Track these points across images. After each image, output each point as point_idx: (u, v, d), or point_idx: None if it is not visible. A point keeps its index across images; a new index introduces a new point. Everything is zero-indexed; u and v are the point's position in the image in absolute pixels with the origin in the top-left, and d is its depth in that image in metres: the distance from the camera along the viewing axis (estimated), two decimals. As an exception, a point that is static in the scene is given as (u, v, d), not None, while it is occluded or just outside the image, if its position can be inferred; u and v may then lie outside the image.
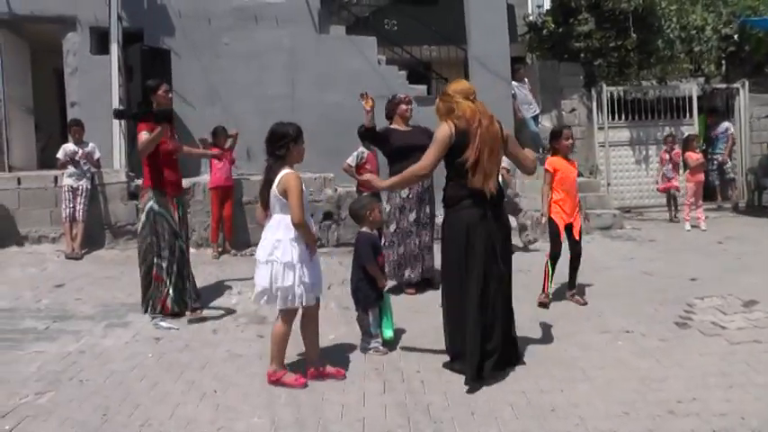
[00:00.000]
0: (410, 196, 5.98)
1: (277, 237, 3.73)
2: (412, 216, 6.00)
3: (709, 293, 5.64)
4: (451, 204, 4.01)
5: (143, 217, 5.33)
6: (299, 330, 3.95)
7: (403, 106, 6.16)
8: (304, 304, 3.79)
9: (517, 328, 4.23)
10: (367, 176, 4.55)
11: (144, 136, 5.16)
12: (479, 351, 3.80)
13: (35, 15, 9.27)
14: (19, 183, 8.39)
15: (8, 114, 9.26)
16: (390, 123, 6.23)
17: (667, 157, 10.38)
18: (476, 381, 3.74)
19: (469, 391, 3.67)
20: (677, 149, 10.37)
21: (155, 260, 5.24)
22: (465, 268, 3.90)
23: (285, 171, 3.76)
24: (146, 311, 5.26)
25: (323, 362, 3.96)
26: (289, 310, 3.81)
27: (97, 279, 6.70)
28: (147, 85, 5.53)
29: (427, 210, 6.12)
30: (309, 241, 3.79)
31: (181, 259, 5.31)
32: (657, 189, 10.73)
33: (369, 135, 5.94)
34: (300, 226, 3.69)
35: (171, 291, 5.21)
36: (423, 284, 6.07)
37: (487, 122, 3.91)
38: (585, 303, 5.49)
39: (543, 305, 5.44)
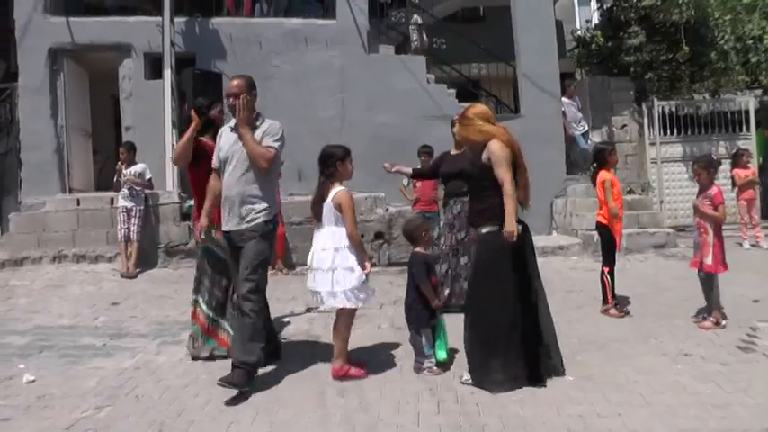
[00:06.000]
0: (461, 214, 5.89)
1: (334, 246, 4.16)
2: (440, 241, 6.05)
3: (773, 316, 5.41)
4: (497, 221, 4.01)
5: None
6: (332, 331, 4.32)
7: (453, 129, 6.11)
8: (363, 304, 4.24)
9: (572, 350, 4.15)
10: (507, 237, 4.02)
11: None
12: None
13: (94, 44, 9.68)
14: (78, 204, 8.76)
15: (69, 139, 9.65)
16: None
17: (708, 203, 5.33)
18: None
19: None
20: (751, 185, 7.79)
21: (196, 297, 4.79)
22: (519, 283, 4.03)
23: (339, 188, 4.21)
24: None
25: (347, 363, 4.27)
26: (351, 310, 4.23)
27: (151, 297, 6.86)
28: (200, 102, 4.98)
29: (459, 236, 5.95)
30: (360, 250, 4.20)
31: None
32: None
33: (417, 175, 6.62)
34: (353, 237, 4.13)
35: (227, 326, 4.71)
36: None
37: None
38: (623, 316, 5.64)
39: (620, 315, 5.66)
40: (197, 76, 9.48)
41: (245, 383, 3.96)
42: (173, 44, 9.27)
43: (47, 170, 9.41)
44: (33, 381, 4.30)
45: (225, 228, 4.28)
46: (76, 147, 9.89)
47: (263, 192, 4.21)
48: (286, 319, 5.86)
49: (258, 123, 4.27)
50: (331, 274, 4.14)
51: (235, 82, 4.27)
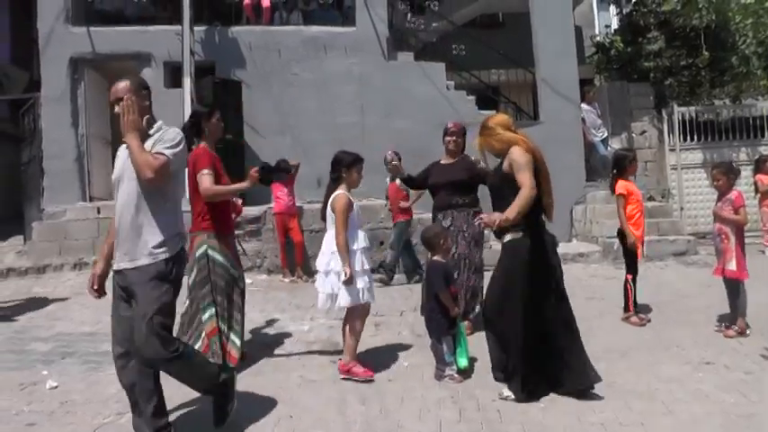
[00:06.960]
0: (451, 228, 5.49)
1: (331, 249, 4.29)
2: None
3: (797, 324, 5.31)
4: (518, 228, 3.98)
5: (196, 266, 4.53)
6: (341, 329, 4.47)
7: (446, 138, 5.77)
8: (364, 301, 4.29)
9: (593, 358, 4.10)
10: (489, 217, 3.99)
11: (207, 178, 4.45)
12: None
13: (115, 53, 9.83)
14: (98, 212, 8.87)
15: (89, 147, 9.77)
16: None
17: (729, 207, 5.27)
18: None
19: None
20: None
21: (207, 313, 4.47)
22: (543, 292, 4.00)
23: (337, 192, 4.33)
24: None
25: (354, 362, 4.36)
26: (356, 309, 4.31)
27: (170, 304, 6.88)
28: (198, 110, 4.86)
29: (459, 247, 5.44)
30: (342, 253, 4.18)
31: (240, 305, 4.67)
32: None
33: (406, 183, 6.17)
34: (338, 240, 4.20)
35: (235, 339, 4.56)
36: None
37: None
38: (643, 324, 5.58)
39: (641, 323, 5.59)
40: (216, 84, 9.56)
41: (227, 408, 3.55)
42: (192, 53, 9.36)
43: (68, 178, 9.54)
44: (56, 387, 4.35)
45: (117, 266, 3.33)
46: (97, 155, 10.02)
47: (158, 220, 3.28)
48: (306, 327, 5.87)
49: (152, 132, 3.41)
50: (328, 276, 4.29)
51: (120, 84, 3.40)
